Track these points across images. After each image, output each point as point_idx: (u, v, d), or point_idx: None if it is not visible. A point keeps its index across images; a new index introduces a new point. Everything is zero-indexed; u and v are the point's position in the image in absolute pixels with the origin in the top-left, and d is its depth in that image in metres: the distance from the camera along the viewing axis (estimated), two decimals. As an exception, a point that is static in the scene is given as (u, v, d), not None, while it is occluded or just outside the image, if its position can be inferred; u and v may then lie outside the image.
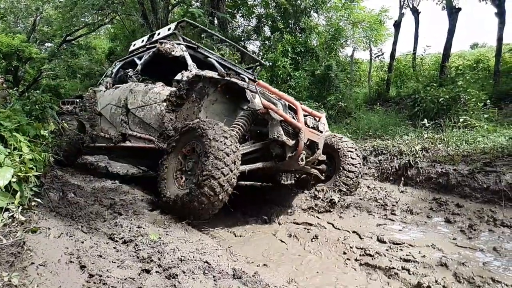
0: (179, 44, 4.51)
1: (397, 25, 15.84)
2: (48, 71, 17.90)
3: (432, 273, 2.53)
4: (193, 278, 1.92)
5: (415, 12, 15.98)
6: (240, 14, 17.66)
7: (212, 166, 2.88)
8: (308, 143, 3.76)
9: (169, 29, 4.95)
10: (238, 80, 3.79)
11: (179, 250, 2.28)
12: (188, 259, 2.17)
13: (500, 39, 11.80)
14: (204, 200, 2.92)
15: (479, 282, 2.35)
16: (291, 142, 3.57)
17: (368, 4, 31.88)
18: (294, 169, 4.08)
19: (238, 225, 3.91)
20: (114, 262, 2.00)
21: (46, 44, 21.95)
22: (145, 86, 4.52)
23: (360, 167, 4.69)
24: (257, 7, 17.89)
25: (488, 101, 8.04)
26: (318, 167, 4.66)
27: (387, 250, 2.98)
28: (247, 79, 4.41)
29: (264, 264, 2.73)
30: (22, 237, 1.75)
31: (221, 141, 3.00)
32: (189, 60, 4.35)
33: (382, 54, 16.77)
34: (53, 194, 2.97)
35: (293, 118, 3.73)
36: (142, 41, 5.57)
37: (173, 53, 4.31)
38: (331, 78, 12.38)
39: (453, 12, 12.67)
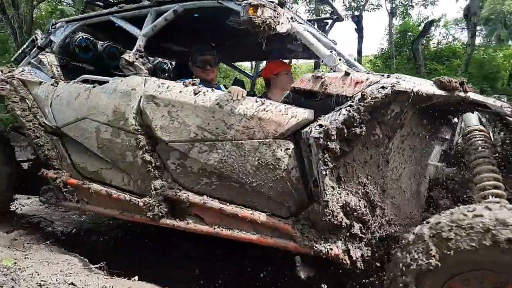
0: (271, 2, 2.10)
1: (275, 34, 17.02)
2: None
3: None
4: (53, 303, 1.75)
5: (291, 24, 17.39)
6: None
7: None
8: None
9: None
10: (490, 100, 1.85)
11: (38, 274, 2.05)
12: (50, 283, 1.97)
13: (359, 52, 13.60)
14: None
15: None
16: None
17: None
18: None
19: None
20: (-50, 299, 1.71)
21: None
22: (195, 94, 2.22)
23: None
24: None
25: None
26: None
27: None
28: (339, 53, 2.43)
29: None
30: None
31: None
32: (317, 44, 2.16)
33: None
34: None
35: None
36: None
37: (278, 28, 2.05)
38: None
39: (321, 26, 14.13)
